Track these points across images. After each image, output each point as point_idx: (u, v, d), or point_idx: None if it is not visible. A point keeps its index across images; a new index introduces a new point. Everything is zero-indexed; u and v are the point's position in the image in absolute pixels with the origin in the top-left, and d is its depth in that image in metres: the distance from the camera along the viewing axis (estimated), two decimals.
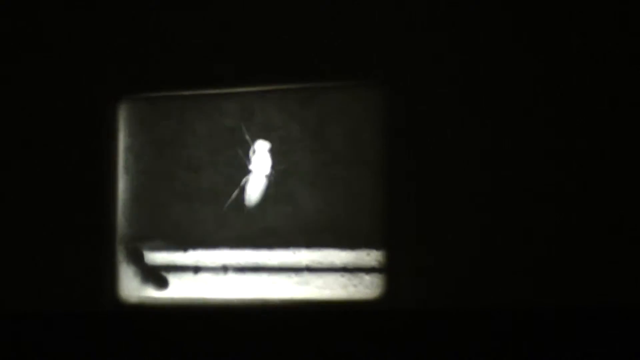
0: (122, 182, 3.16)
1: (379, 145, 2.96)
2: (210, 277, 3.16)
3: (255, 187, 3.12)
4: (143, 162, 3.21)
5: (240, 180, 3.13)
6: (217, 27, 3.04)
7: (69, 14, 3.15)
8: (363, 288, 3.02)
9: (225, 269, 3.15)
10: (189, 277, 3.19)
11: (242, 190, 3.13)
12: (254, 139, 3.11)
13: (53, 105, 3.16)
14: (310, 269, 3.07)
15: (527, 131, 2.81)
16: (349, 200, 3.04)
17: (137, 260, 3.18)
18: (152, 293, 3.17)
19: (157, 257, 3.20)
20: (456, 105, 2.85)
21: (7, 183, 3.19)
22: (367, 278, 3.02)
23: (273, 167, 3.12)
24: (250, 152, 3.10)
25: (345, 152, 3.06)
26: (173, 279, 3.19)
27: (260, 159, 3.12)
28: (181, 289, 3.18)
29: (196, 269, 3.18)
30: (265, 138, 3.14)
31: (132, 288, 3.16)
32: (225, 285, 3.15)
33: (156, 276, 3.18)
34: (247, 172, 3.12)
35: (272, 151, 3.13)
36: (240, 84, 3.05)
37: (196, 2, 3.06)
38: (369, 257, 3.02)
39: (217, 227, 3.17)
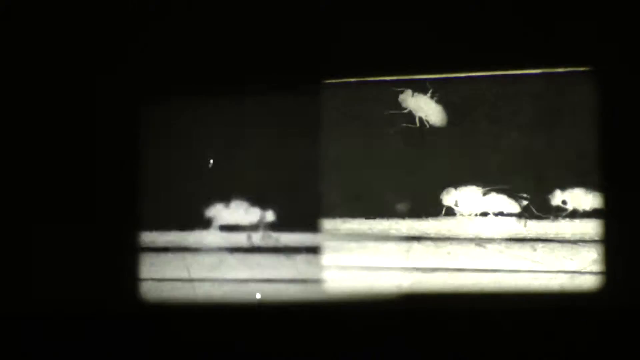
0: (143, 179, 3.05)
1: None
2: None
3: None
4: (163, 159, 3.06)
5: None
6: (235, 26, 2.98)
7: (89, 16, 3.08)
8: None
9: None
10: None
11: None
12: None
13: (75, 103, 3.08)
14: None
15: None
16: None
17: None
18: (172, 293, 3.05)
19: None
20: None
21: (26, 179, 3.10)
22: None
23: None
24: None
25: None
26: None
27: None
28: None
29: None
30: None
31: (153, 288, 3.04)
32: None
33: None
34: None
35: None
36: (258, 82, 2.98)
37: (215, 3, 3.01)
38: None
39: None
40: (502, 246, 2.81)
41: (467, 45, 2.84)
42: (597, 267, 2.72)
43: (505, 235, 2.81)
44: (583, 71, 2.77)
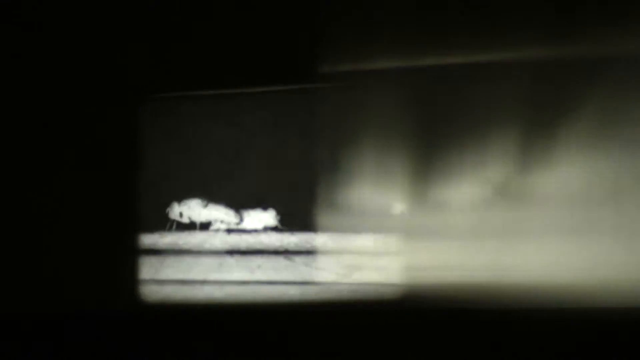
0: (144, 179, 3.06)
1: None
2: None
3: None
4: (163, 161, 3.07)
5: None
6: (235, 30, 2.99)
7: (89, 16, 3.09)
8: None
9: None
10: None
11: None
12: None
13: (74, 104, 3.10)
14: None
15: None
16: None
17: None
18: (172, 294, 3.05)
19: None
20: None
21: (26, 181, 3.11)
22: None
23: None
24: None
25: None
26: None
27: None
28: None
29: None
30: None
31: (151, 288, 3.04)
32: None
33: None
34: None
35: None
36: (257, 84, 2.99)
37: (216, 6, 3.01)
38: None
39: None
40: None
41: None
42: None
43: None
44: None
